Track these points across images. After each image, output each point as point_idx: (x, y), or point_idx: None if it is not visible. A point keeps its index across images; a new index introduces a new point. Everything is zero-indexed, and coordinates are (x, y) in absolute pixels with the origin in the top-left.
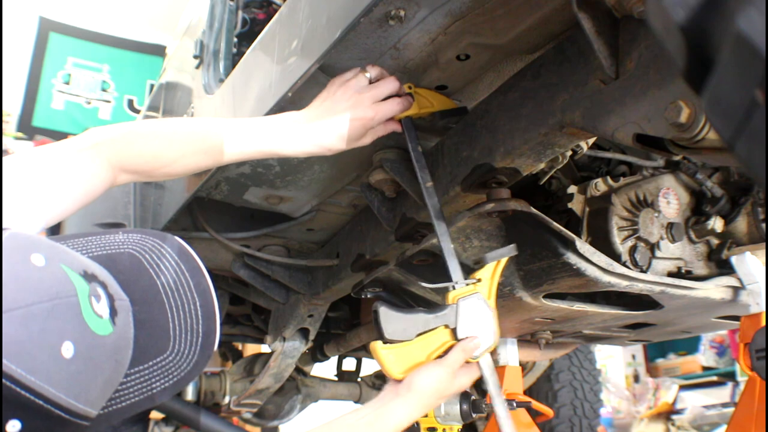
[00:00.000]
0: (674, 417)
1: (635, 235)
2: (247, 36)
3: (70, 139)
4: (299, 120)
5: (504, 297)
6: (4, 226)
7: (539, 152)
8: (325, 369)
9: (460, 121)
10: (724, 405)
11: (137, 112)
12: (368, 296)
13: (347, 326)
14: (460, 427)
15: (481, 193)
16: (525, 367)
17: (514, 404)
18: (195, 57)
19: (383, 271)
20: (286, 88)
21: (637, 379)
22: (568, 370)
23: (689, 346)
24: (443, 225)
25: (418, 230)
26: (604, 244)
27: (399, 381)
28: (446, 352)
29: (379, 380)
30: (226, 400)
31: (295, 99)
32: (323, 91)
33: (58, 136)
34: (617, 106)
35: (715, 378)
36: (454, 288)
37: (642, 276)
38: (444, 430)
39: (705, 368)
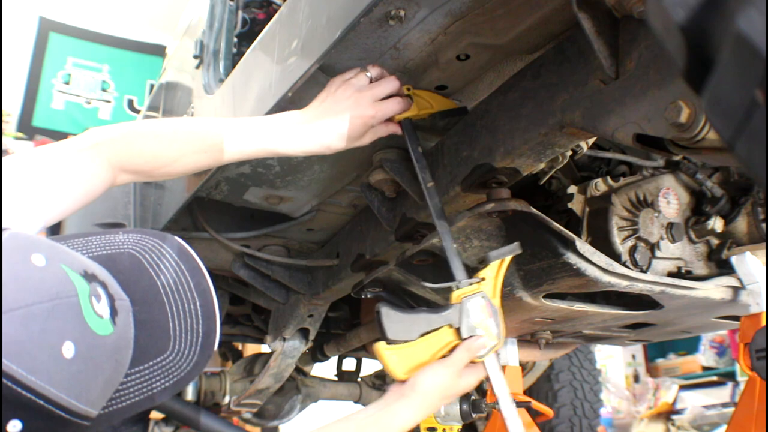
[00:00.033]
0: (674, 417)
1: (635, 235)
2: (247, 36)
3: (70, 139)
4: (299, 119)
5: (504, 297)
6: (4, 226)
7: (539, 152)
8: (325, 369)
9: (460, 121)
10: (724, 405)
11: (137, 112)
12: (368, 296)
13: (347, 326)
14: (460, 427)
15: (481, 193)
16: (525, 367)
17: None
18: (195, 57)
19: (383, 271)
20: (286, 88)
21: (637, 379)
22: (568, 370)
23: (689, 346)
24: (445, 224)
25: (418, 230)
26: (604, 244)
27: (403, 382)
28: (451, 351)
29: (379, 380)
30: (226, 400)
31: (295, 99)
32: (323, 91)
33: (58, 136)
34: (617, 106)
35: (715, 378)
36: (457, 287)
37: (642, 276)
38: (444, 430)
39: (705, 368)
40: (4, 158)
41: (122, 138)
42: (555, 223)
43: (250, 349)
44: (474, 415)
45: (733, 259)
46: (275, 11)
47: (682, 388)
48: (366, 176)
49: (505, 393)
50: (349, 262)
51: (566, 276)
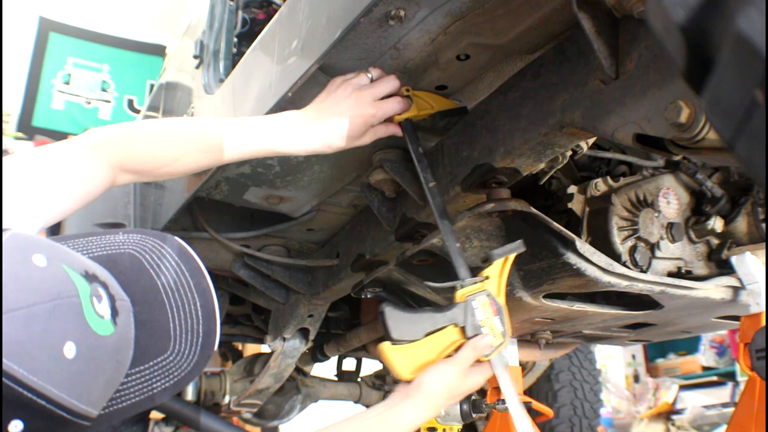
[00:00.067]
0: (674, 417)
1: (635, 235)
2: (247, 36)
3: (71, 140)
4: (299, 118)
5: None
6: (4, 226)
7: (539, 152)
8: (325, 369)
9: (460, 121)
10: (724, 405)
11: (137, 112)
12: (368, 296)
13: (347, 326)
14: (460, 427)
15: (481, 193)
16: (525, 367)
17: None
18: (195, 57)
19: (383, 271)
20: (286, 88)
21: (637, 379)
22: (568, 370)
23: (689, 346)
24: (447, 224)
25: (418, 230)
26: (604, 244)
27: (409, 382)
28: (456, 351)
29: (379, 380)
30: (226, 400)
31: (295, 99)
32: (323, 90)
33: (58, 136)
34: (617, 106)
35: (715, 378)
36: (461, 286)
37: (642, 276)
38: (444, 430)
39: (705, 368)
40: (4, 158)
41: (122, 138)
42: (555, 223)
43: (250, 349)
44: (474, 415)
45: (733, 259)
46: (275, 11)
47: (682, 388)
48: (366, 176)
49: (512, 391)
50: (349, 262)
51: (566, 276)
